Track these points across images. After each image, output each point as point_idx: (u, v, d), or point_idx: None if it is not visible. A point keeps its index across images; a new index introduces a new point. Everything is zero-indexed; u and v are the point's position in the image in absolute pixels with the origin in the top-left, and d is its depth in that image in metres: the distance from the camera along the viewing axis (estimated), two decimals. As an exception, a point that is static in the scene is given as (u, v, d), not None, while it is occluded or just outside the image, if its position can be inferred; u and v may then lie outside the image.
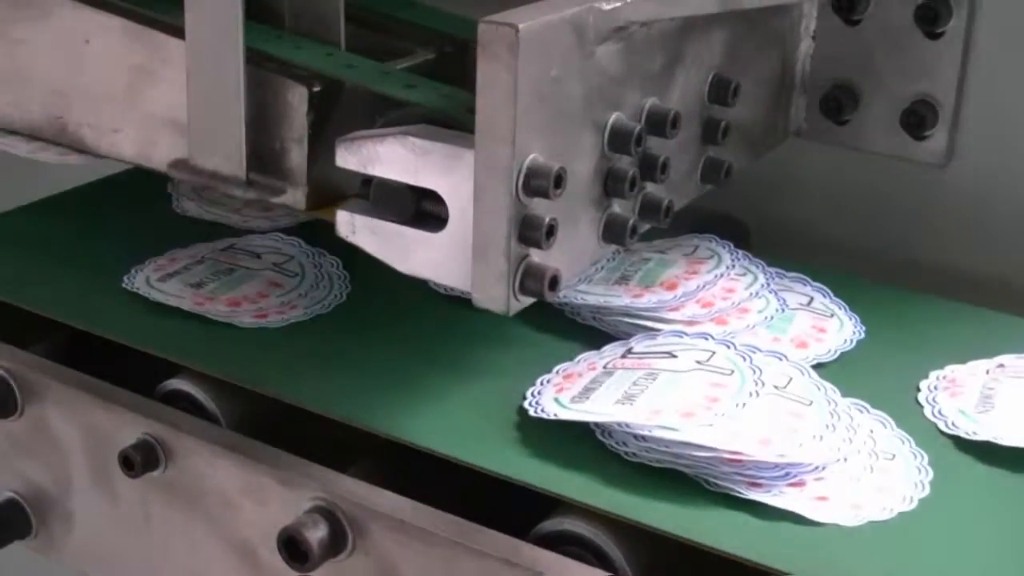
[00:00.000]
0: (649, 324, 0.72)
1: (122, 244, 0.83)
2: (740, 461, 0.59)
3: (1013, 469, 0.63)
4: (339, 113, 0.70)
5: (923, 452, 0.64)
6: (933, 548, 0.57)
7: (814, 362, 0.71)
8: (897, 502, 0.59)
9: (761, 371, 0.65)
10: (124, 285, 0.77)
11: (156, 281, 0.78)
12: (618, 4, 0.63)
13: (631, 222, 0.67)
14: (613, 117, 0.66)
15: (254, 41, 0.73)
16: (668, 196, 0.71)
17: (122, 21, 0.75)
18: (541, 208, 0.60)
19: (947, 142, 0.86)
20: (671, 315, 0.73)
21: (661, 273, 0.77)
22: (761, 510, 0.58)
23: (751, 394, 0.63)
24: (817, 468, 0.59)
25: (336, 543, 0.63)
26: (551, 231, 0.61)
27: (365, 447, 0.66)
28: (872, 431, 0.64)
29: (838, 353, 0.72)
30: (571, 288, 0.76)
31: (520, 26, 0.56)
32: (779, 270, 0.80)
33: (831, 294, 0.78)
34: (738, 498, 0.58)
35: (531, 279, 0.61)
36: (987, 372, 0.70)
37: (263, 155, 0.69)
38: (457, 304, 0.77)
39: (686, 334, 0.70)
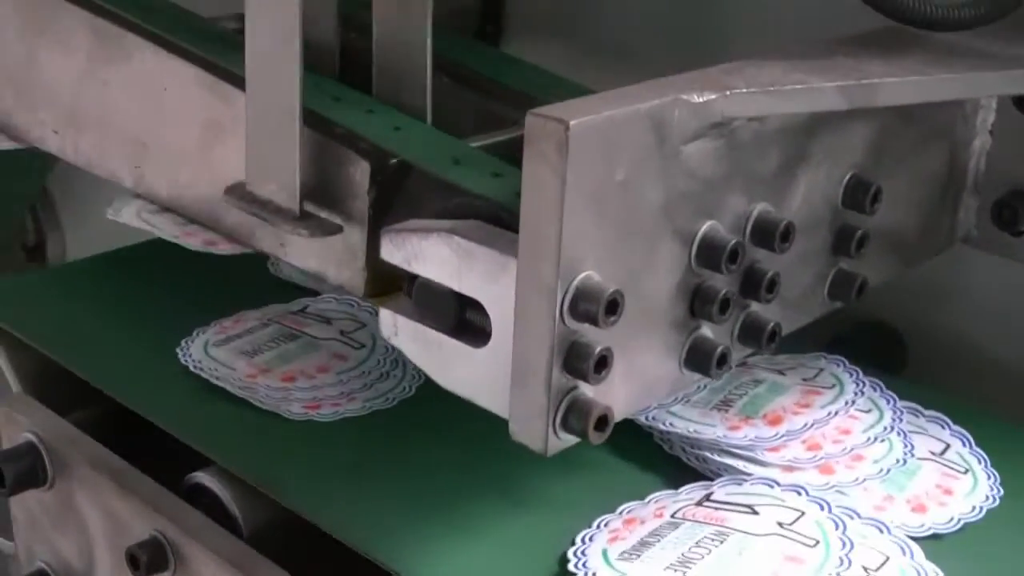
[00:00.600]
0: (740, 465, 0.61)
1: (193, 302, 0.77)
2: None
3: None
4: (405, 195, 0.62)
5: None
6: None
7: (929, 532, 0.59)
8: None
9: (852, 546, 0.54)
10: (179, 353, 0.71)
11: (213, 346, 0.71)
12: (713, 96, 0.53)
13: (719, 350, 0.57)
14: (705, 227, 0.56)
15: (324, 98, 0.66)
16: (776, 318, 0.60)
17: (196, 71, 0.69)
18: (593, 335, 0.51)
19: None
20: (768, 456, 0.62)
21: (769, 402, 0.65)
22: None
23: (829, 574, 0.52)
24: None
25: None
26: (603, 363, 0.51)
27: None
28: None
29: (961, 523, 0.60)
30: (663, 408, 0.66)
31: (571, 122, 0.47)
32: (915, 405, 0.68)
33: (972, 443, 0.66)
34: None
35: (575, 416, 0.52)
36: None
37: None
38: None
39: (777, 484, 0.59)
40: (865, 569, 0.53)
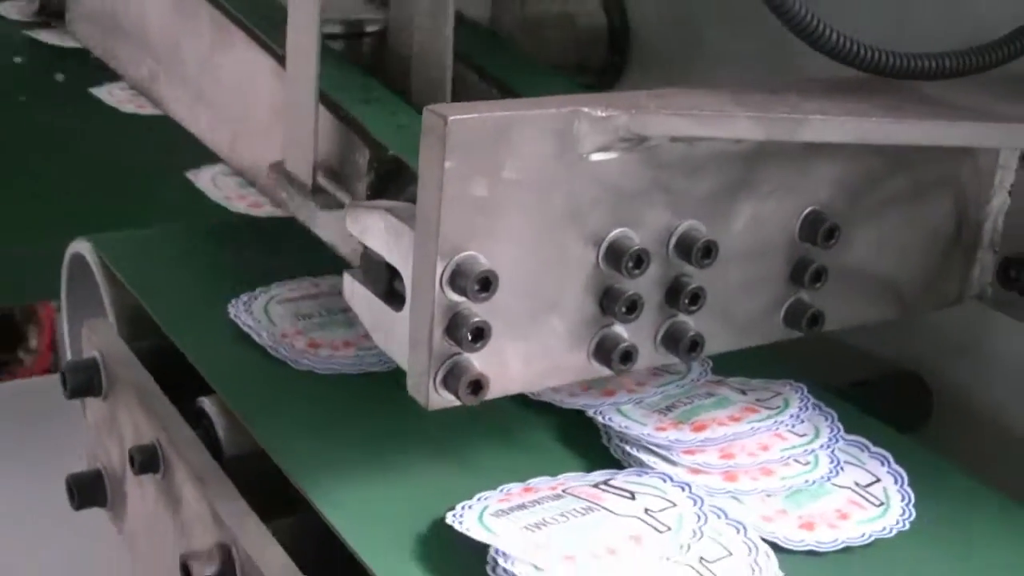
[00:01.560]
0: (651, 461, 0.66)
1: (261, 267, 0.87)
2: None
3: None
4: (398, 183, 0.71)
5: None
6: None
7: (805, 548, 0.62)
8: None
9: (699, 537, 0.58)
10: (230, 307, 0.82)
11: (258, 304, 0.82)
12: (615, 113, 0.58)
13: (623, 346, 0.62)
14: (616, 232, 0.61)
15: (356, 96, 0.75)
16: (713, 332, 0.65)
17: (272, 63, 0.80)
18: (478, 309, 0.58)
19: None
20: (681, 458, 0.66)
21: (705, 412, 0.69)
22: None
23: (659, 556, 0.56)
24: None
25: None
26: (479, 334, 0.58)
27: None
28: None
29: (843, 545, 0.62)
30: (615, 405, 0.71)
31: (450, 118, 0.54)
32: (863, 440, 0.70)
33: (904, 480, 0.67)
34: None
35: (451, 378, 0.59)
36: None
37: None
38: (511, 400, 0.74)
39: (671, 479, 0.64)
40: (701, 559, 0.57)
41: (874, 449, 0.70)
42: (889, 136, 0.63)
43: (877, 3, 0.86)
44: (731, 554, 0.58)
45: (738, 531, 0.60)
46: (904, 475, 0.68)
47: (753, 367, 0.76)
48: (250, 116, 0.84)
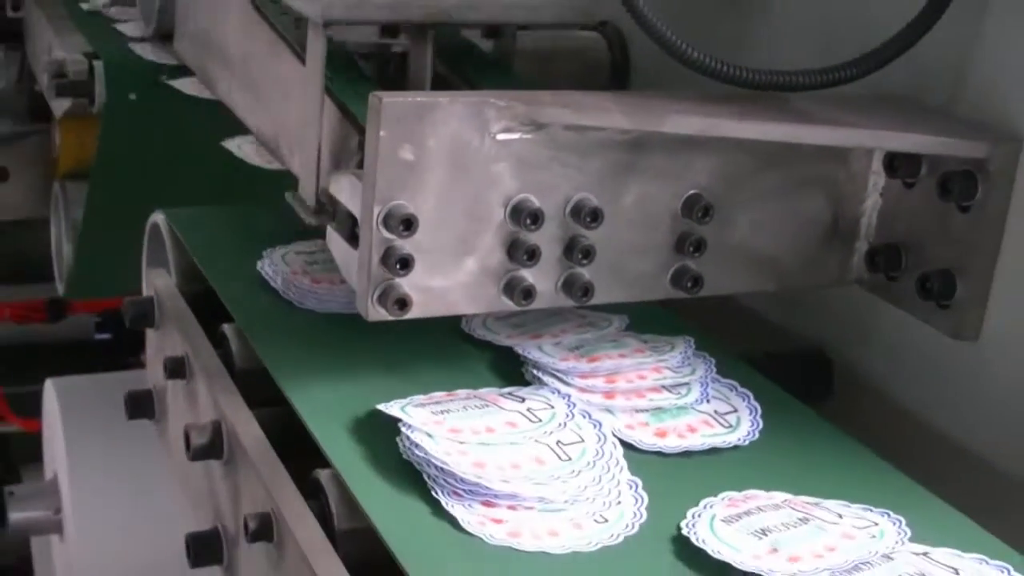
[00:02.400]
0: (551, 382, 0.85)
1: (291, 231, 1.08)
2: (453, 474, 0.71)
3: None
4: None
5: (640, 514, 0.71)
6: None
7: (655, 449, 0.79)
8: (558, 548, 0.68)
9: (561, 427, 0.76)
10: (259, 262, 1.03)
11: (280, 255, 1.03)
12: (515, 104, 0.78)
13: (523, 285, 0.81)
14: (519, 196, 0.80)
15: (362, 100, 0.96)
16: (599, 281, 0.84)
17: (297, 65, 1.01)
18: (407, 245, 0.78)
19: (970, 317, 0.87)
20: (574, 380, 0.84)
21: (603, 351, 0.88)
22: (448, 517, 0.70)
23: (525, 437, 0.75)
24: (505, 496, 0.70)
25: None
26: (404, 263, 0.78)
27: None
28: (609, 504, 0.72)
29: (683, 449, 0.80)
30: (538, 344, 0.90)
31: (384, 99, 0.75)
32: (734, 382, 0.87)
33: (758, 412, 0.84)
34: (440, 504, 0.71)
35: (384, 297, 0.78)
36: (780, 504, 0.74)
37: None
38: (460, 339, 0.94)
39: (559, 392, 0.82)
40: (558, 442, 0.76)
41: (741, 389, 0.87)
42: (728, 131, 0.81)
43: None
44: (583, 440, 0.76)
45: (595, 427, 0.78)
46: (759, 409, 0.85)
47: (672, 332, 0.93)
48: (289, 114, 1.06)
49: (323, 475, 0.76)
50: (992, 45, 0.87)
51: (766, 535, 0.69)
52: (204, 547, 0.86)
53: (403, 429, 0.76)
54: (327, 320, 0.96)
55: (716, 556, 0.67)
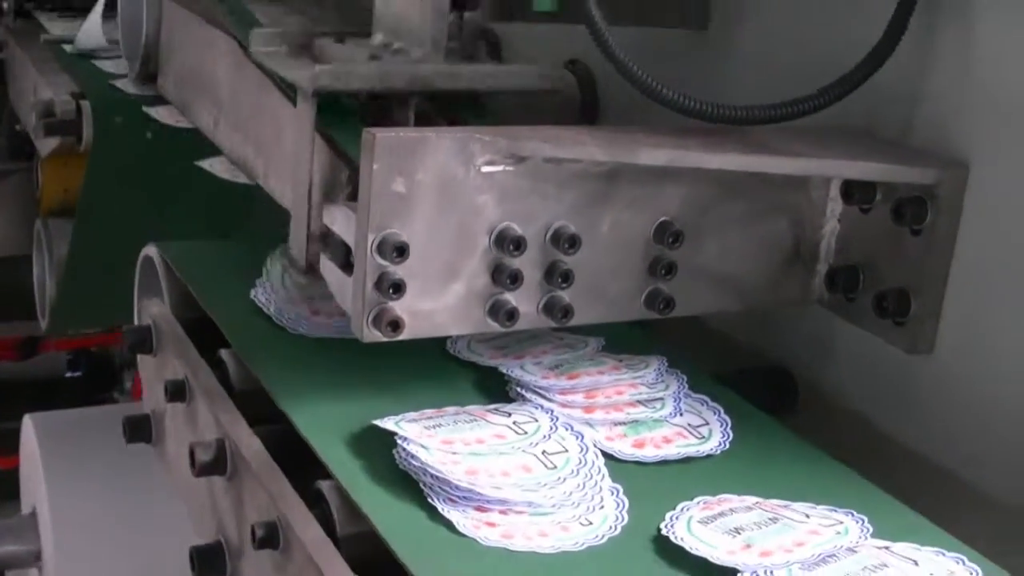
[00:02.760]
0: (533, 398, 0.90)
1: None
2: (448, 481, 0.77)
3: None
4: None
5: (621, 517, 0.77)
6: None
7: (634, 459, 0.85)
8: (547, 547, 0.74)
9: (546, 439, 0.82)
10: (254, 289, 1.08)
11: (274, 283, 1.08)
12: (498, 138, 0.84)
13: (507, 308, 0.87)
14: (503, 224, 0.86)
15: (351, 138, 1.01)
16: (578, 303, 0.89)
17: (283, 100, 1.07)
18: (399, 271, 0.83)
19: (924, 333, 0.94)
20: (556, 396, 0.90)
21: (582, 368, 0.93)
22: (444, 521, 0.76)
23: (513, 447, 0.80)
24: (496, 501, 0.76)
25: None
26: (397, 288, 0.83)
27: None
28: (594, 508, 0.78)
29: (660, 458, 0.85)
30: (519, 364, 0.96)
31: (378, 135, 0.81)
32: (706, 398, 0.93)
33: (728, 425, 0.90)
34: (436, 509, 0.76)
35: (378, 320, 0.84)
36: (751, 507, 0.79)
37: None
38: (446, 360, 0.99)
39: (542, 408, 0.88)
40: (543, 452, 0.81)
41: (712, 404, 0.93)
42: (696, 162, 0.87)
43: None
44: (567, 450, 0.82)
45: (577, 438, 0.84)
46: (729, 422, 0.91)
47: (647, 352, 0.99)
48: (277, 150, 1.11)
49: (324, 485, 0.81)
50: (939, 80, 0.94)
51: (739, 533, 0.75)
52: (208, 559, 0.91)
53: (399, 441, 0.81)
54: (318, 344, 1.01)
55: (694, 552, 0.73)
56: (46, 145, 1.58)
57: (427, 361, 0.98)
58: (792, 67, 1.06)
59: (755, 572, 0.71)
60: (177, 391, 0.98)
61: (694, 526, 0.76)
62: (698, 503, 0.80)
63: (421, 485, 0.78)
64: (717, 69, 1.16)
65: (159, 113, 1.44)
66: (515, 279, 0.87)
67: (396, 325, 0.84)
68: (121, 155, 1.54)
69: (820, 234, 1.00)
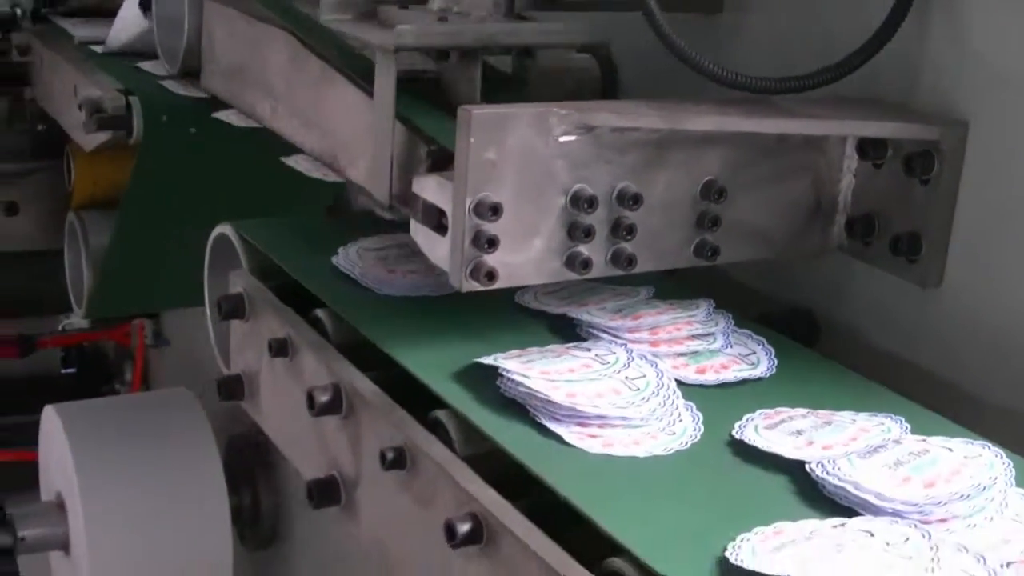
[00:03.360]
0: (605, 336, 1.04)
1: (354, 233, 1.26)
2: (552, 402, 0.90)
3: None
4: (442, 165, 1.10)
5: (698, 427, 0.91)
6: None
7: (699, 383, 0.99)
8: (641, 451, 0.88)
9: (625, 366, 0.96)
10: (333, 257, 1.21)
11: (353, 250, 1.21)
12: (571, 112, 0.97)
13: (581, 258, 1.00)
14: (577, 186, 1.00)
15: (419, 113, 1.14)
16: (639, 254, 1.03)
17: (365, 97, 1.20)
18: (492, 228, 0.96)
19: (933, 269, 1.08)
20: (625, 335, 1.04)
21: (643, 310, 1.07)
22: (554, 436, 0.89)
23: (600, 375, 0.94)
24: (595, 417, 0.89)
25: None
26: (492, 243, 0.96)
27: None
28: (676, 419, 0.92)
29: (721, 381, 0.99)
30: (583, 311, 1.09)
31: (474, 111, 0.94)
32: (751, 332, 1.08)
33: (773, 354, 1.04)
34: (543, 426, 0.90)
35: (476, 271, 0.97)
36: (805, 415, 0.93)
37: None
38: (516, 312, 1.12)
39: (617, 342, 1.02)
40: (627, 378, 0.94)
41: (756, 337, 1.07)
42: (736, 126, 1.01)
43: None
44: (645, 376, 0.96)
45: (652, 366, 0.97)
46: (773, 351, 1.05)
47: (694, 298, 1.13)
48: (345, 132, 1.24)
49: (441, 414, 0.94)
50: (937, 49, 1.08)
51: (800, 434, 0.89)
52: (325, 490, 1.04)
53: (503, 373, 0.95)
54: (402, 300, 1.14)
55: (767, 450, 0.87)
56: (93, 140, 1.69)
57: (500, 313, 1.12)
58: (797, 48, 1.21)
59: (820, 462, 0.85)
60: (281, 348, 1.11)
61: (761, 431, 0.90)
62: (760, 414, 0.94)
63: (528, 408, 0.91)
64: (730, 50, 1.30)
65: (228, 116, 1.55)
66: (588, 233, 1.00)
67: (492, 275, 0.97)
68: (167, 149, 1.65)
69: (839, 188, 1.14)
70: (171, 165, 1.69)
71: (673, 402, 0.94)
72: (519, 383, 0.92)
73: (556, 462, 0.86)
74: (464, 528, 0.83)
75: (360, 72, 1.21)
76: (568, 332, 1.08)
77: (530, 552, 0.79)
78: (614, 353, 0.99)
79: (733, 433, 0.91)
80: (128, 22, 1.83)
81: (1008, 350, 1.06)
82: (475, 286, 0.98)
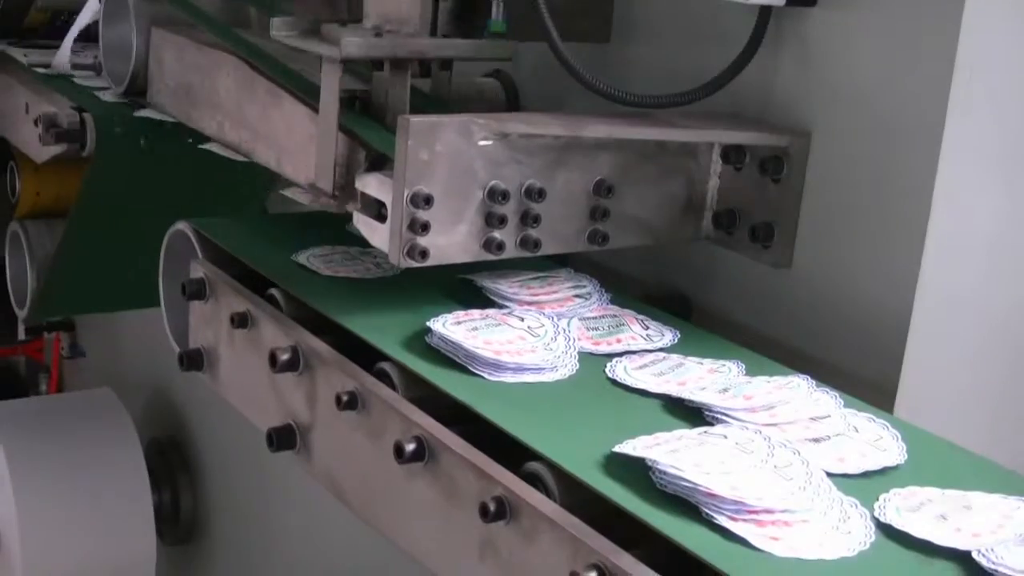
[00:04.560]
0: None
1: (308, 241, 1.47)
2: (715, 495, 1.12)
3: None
4: (379, 167, 1.31)
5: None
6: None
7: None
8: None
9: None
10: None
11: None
12: (489, 121, 1.20)
13: (496, 243, 1.22)
14: (493, 182, 1.22)
15: (360, 124, 1.35)
16: (543, 239, 1.25)
17: (309, 111, 1.40)
18: (424, 215, 1.18)
19: (784, 253, 1.32)
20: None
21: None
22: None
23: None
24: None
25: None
26: (425, 227, 1.18)
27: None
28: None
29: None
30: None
31: (411, 119, 1.15)
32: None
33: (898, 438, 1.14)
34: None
35: (411, 251, 1.18)
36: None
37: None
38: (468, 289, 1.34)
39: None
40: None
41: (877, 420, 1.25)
42: (623, 134, 1.24)
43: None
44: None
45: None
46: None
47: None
48: (291, 143, 1.44)
49: (385, 365, 1.15)
50: (786, 72, 1.33)
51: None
52: (283, 436, 1.24)
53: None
54: (343, 282, 1.35)
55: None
56: (46, 152, 1.85)
57: (427, 289, 1.33)
58: (673, 72, 1.44)
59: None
60: (242, 320, 1.31)
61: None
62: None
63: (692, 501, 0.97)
64: (617, 73, 1.53)
65: (147, 112, 1.75)
66: (502, 221, 1.22)
67: (425, 254, 1.19)
68: (118, 160, 1.83)
69: (707, 187, 1.38)
70: (120, 175, 1.87)
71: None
72: (679, 477, 0.94)
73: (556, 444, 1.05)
74: (410, 447, 1.04)
75: (303, 90, 1.42)
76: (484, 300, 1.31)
77: (466, 462, 1.00)
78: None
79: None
80: (68, 47, 2.01)
81: (845, 319, 1.30)
82: (411, 263, 1.19)
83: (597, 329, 1.25)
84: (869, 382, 1.25)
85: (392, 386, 1.14)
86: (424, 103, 1.44)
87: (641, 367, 1.16)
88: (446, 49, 1.34)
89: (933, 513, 0.95)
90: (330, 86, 1.30)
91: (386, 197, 1.21)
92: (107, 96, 1.88)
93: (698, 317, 1.46)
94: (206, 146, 1.59)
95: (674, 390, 1.10)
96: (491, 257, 1.24)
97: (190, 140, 1.73)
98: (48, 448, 2.56)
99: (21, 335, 3.48)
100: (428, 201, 1.17)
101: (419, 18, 1.33)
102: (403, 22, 1.35)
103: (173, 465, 2.77)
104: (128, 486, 2.60)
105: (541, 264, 1.36)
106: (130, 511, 2.61)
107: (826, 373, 1.28)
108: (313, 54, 1.32)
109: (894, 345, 1.23)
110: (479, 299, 1.30)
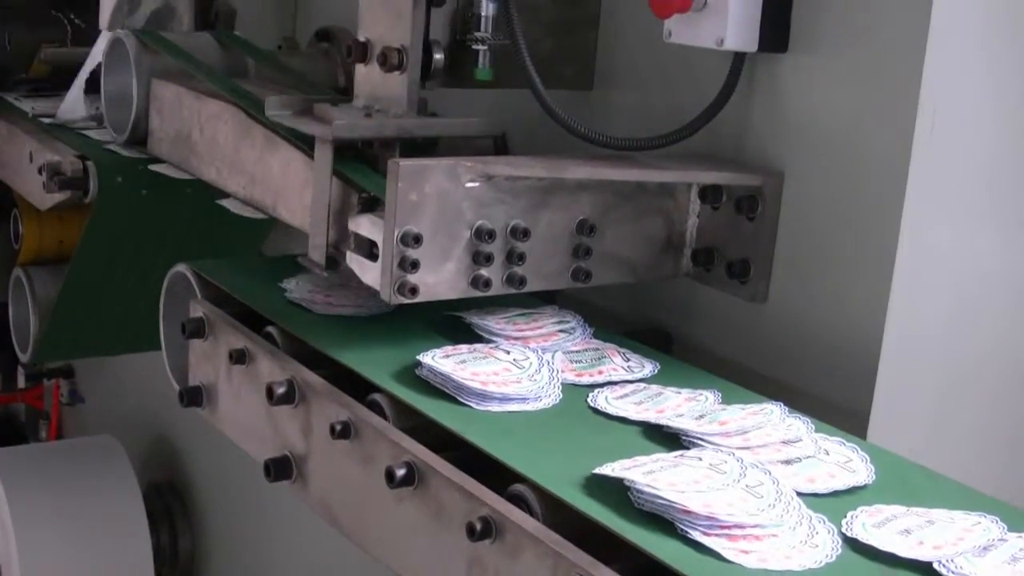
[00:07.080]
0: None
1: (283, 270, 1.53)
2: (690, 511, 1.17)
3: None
4: (370, 209, 1.37)
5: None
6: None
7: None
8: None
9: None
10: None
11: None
12: (475, 163, 1.26)
13: (483, 280, 1.28)
14: (479, 221, 1.28)
15: (352, 170, 1.41)
16: (529, 276, 1.31)
17: (305, 157, 1.47)
18: (414, 253, 1.23)
19: (760, 288, 1.38)
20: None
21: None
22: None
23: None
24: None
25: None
26: (415, 265, 1.23)
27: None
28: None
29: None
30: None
31: (401, 163, 1.21)
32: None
33: (869, 461, 1.22)
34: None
35: (401, 287, 1.24)
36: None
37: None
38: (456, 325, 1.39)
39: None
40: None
41: (849, 445, 1.29)
42: (604, 176, 1.30)
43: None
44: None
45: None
46: (868, 457, 1.31)
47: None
48: (287, 187, 1.50)
49: (377, 396, 1.20)
50: (759, 116, 1.39)
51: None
52: (280, 466, 1.29)
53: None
54: (336, 320, 1.40)
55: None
56: (50, 200, 1.91)
57: (412, 328, 1.39)
58: (652, 116, 1.51)
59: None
60: (240, 356, 1.36)
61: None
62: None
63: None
64: (599, 118, 1.59)
65: (161, 168, 1.80)
66: (488, 259, 1.28)
67: (415, 290, 1.24)
68: (119, 207, 1.89)
69: (686, 226, 1.44)
70: (122, 222, 1.93)
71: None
72: (655, 496, 0.98)
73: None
74: (401, 472, 1.09)
75: (298, 136, 1.48)
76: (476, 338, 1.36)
77: (453, 485, 1.06)
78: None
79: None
80: (78, 97, 2.08)
81: (820, 350, 1.35)
82: (401, 299, 1.25)
83: (580, 361, 1.31)
84: (844, 409, 1.30)
85: (384, 416, 1.19)
86: (414, 148, 1.51)
87: (622, 396, 1.21)
88: (431, 129, 1.40)
89: (898, 528, 1.00)
90: (322, 163, 1.36)
91: (377, 236, 1.26)
92: (114, 146, 1.94)
93: (679, 350, 1.52)
94: (223, 202, 1.65)
95: (653, 417, 1.16)
96: (478, 294, 1.29)
97: (188, 190, 1.79)
98: (49, 493, 2.60)
99: (21, 383, 3.53)
100: (417, 240, 1.23)
101: (406, 99, 1.39)
102: (392, 102, 1.41)
103: (172, 509, 2.81)
104: (127, 529, 2.65)
105: (528, 302, 1.42)
106: (129, 554, 2.65)
107: (802, 402, 1.33)
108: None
109: (866, 373, 1.29)
110: (467, 335, 1.36)
